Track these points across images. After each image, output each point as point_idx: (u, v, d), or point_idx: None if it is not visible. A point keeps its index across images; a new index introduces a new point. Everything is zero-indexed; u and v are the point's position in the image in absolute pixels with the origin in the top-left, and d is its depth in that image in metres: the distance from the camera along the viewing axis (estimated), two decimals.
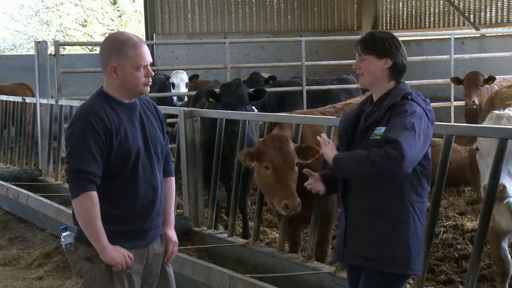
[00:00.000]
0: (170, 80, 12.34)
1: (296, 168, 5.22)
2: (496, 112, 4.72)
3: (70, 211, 6.35)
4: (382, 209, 3.68)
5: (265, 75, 13.06)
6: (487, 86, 10.20)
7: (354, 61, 3.84)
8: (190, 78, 12.44)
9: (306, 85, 11.94)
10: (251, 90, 7.75)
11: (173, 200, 3.99)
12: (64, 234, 3.76)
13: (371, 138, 3.67)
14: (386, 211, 3.68)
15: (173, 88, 12.31)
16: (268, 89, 11.34)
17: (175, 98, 12.06)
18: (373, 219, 3.70)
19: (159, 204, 3.80)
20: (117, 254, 3.60)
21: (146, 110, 3.81)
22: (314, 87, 11.93)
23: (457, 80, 10.62)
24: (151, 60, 3.73)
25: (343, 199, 3.84)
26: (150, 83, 3.74)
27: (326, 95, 11.68)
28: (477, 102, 9.98)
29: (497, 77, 10.53)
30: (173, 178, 4.00)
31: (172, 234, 3.92)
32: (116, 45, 3.64)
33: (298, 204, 5.06)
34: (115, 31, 28.21)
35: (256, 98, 7.56)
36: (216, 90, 7.82)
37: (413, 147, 3.52)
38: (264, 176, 5.28)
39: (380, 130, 3.64)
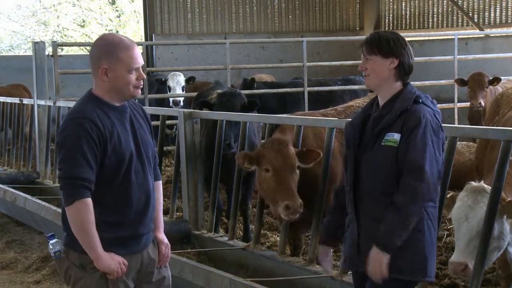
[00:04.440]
0: (167, 83, 12.16)
1: (298, 171, 5.21)
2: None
3: None
4: None
5: (267, 76, 13.01)
6: (490, 87, 10.12)
7: (357, 61, 3.76)
8: (187, 81, 12.26)
9: (310, 86, 11.82)
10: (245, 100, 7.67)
11: (161, 204, 3.94)
12: (51, 241, 3.68)
13: (382, 144, 3.58)
14: None
15: (169, 92, 12.10)
16: (268, 91, 11.36)
17: (171, 101, 11.86)
18: None
19: (152, 208, 3.74)
20: (113, 262, 3.54)
21: (135, 113, 3.75)
22: (316, 89, 11.81)
23: (461, 82, 10.52)
24: (143, 63, 3.68)
25: (354, 206, 3.72)
26: (141, 86, 3.68)
27: (330, 96, 11.53)
28: (483, 103, 9.90)
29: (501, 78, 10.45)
30: (160, 182, 3.94)
31: (163, 237, 3.88)
32: (108, 47, 3.58)
33: (299, 205, 5.07)
34: (113, 31, 28.18)
35: (248, 110, 7.44)
36: (213, 94, 7.79)
37: (434, 165, 3.51)
38: (264, 179, 5.30)
39: (393, 136, 3.56)
